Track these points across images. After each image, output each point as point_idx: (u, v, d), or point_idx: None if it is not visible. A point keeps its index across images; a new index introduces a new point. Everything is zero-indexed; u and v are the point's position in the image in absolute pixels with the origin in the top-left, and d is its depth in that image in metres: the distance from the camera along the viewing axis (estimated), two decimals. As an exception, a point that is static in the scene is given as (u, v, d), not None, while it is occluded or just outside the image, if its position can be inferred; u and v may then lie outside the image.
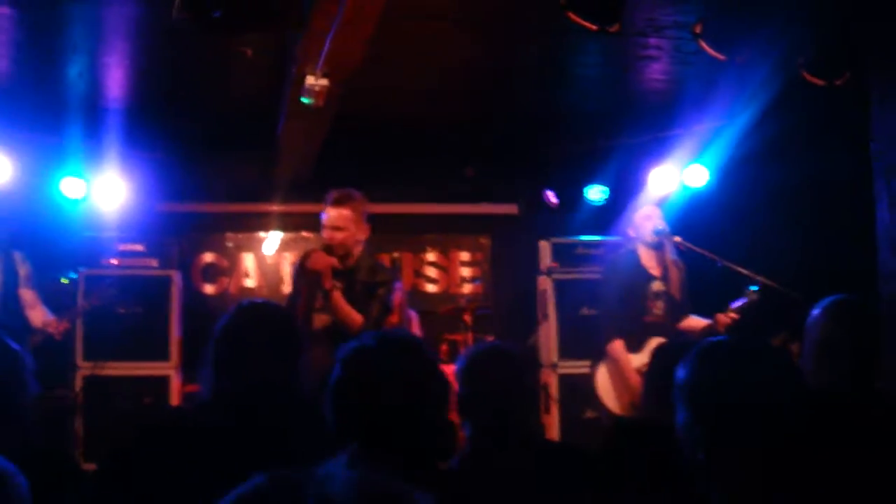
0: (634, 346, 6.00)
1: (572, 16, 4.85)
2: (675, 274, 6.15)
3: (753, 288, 5.98)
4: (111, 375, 7.24)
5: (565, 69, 7.06)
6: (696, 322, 6.17)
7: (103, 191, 8.07)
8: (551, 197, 9.10)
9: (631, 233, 6.31)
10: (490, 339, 7.90)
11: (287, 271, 9.20)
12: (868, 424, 2.70)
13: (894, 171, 4.77)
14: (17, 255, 6.42)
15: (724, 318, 5.96)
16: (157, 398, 7.33)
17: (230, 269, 9.61)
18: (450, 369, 3.75)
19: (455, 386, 3.02)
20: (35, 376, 2.80)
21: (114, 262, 7.63)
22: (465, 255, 10.03)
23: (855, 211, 5.69)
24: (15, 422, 2.63)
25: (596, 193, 8.98)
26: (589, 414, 6.86)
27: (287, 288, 5.79)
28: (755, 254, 6.66)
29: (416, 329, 7.71)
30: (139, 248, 7.74)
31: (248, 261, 9.64)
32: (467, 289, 9.86)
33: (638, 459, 2.67)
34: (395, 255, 9.61)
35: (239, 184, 9.29)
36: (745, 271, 6.12)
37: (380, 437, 2.16)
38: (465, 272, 10.01)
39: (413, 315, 8.12)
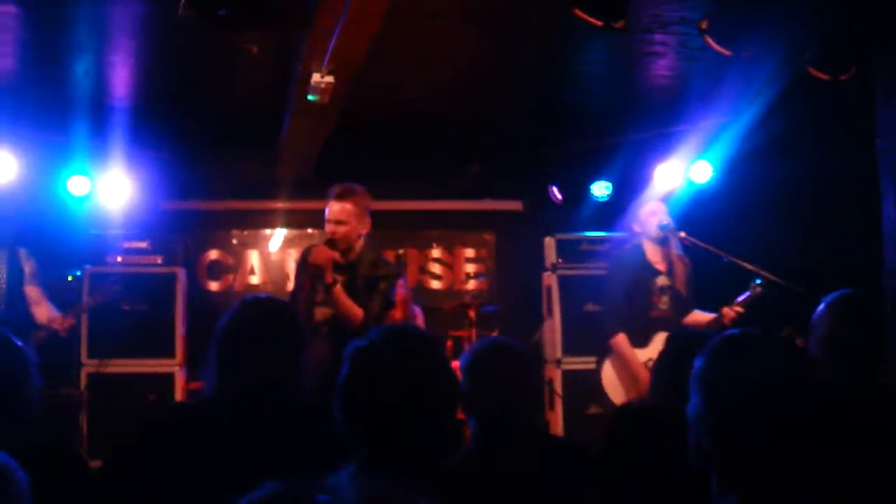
0: (640, 341, 6.00)
1: (578, 12, 4.85)
2: (680, 269, 6.15)
3: (757, 281, 5.99)
4: (116, 372, 7.27)
5: (570, 65, 7.05)
6: (700, 317, 6.17)
7: (108, 188, 8.07)
8: (556, 193, 9.09)
9: (636, 228, 6.31)
10: (494, 335, 7.90)
11: (292, 268, 9.21)
12: (872, 419, 2.70)
13: (899, 165, 4.77)
14: (22, 252, 6.43)
15: (730, 312, 5.97)
16: (162, 395, 7.34)
17: (235, 266, 9.62)
18: (454, 365, 3.75)
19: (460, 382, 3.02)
20: (39, 372, 2.80)
21: (119, 259, 7.65)
22: (469, 252, 10.04)
23: (860, 207, 5.69)
24: (20, 418, 2.63)
25: (601, 189, 8.97)
26: (593, 410, 6.86)
27: (292, 285, 5.80)
28: (760, 249, 6.65)
29: (421, 325, 7.72)
30: (144, 245, 7.75)
31: (253, 258, 9.65)
32: (472, 285, 9.86)
33: (640, 446, 2.67)
34: (400, 251, 9.62)
35: (244, 181, 9.30)
36: (749, 267, 6.12)
37: (388, 435, 2.16)
38: (470, 269, 10.01)
39: (418, 311, 8.14)
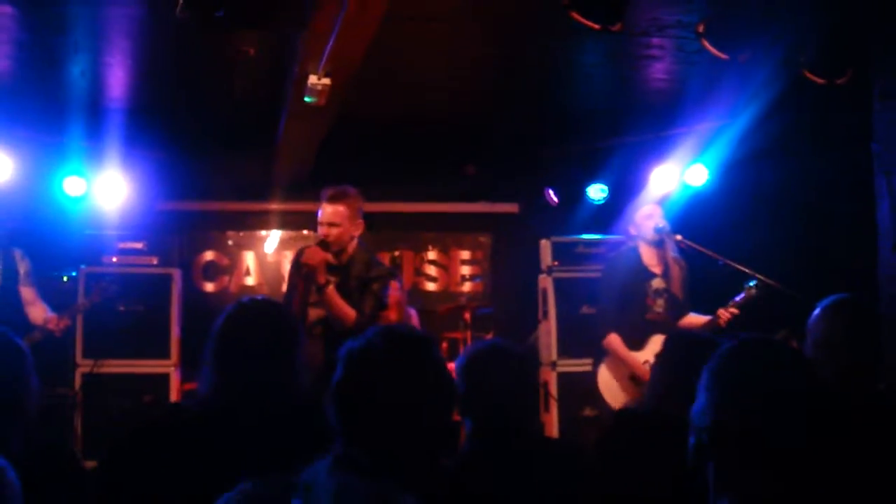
0: (636, 344, 6.01)
1: (575, 15, 4.85)
2: (676, 272, 6.16)
3: (752, 283, 6.00)
4: (111, 373, 7.26)
5: (567, 68, 7.05)
6: (696, 319, 6.18)
7: (104, 189, 8.07)
8: (552, 195, 9.10)
9: (632, 231, 6.32)
10: (490, 337, 7.90)
11: (287, 269, 9.22)
12: (868, 423, 2.71)
13: (894, 170, 4.77)
14: (17, 253, 6.43)
15: (725, 314, 5.99)
16: (157, 396, 7.34)
17: (231, 267, 9.62)
18: (450, 367, 3.76)
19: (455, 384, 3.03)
20: (36, 373, 2.80)
21: (114, 259, 7.64)
22: (465, 254, 10.04)
23: (855, 210, 5.69)
24: (20, 420, 2.63)
25: (597, 192, 8.98)
26: (588, 412, 6.86)
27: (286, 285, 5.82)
28: (755, 252, 6.66)
29: (416, 327, 7.72)
30: (140, 246, 7.74)
31: (249, 259, 9.65)
32: (467, 287, 9.87)
33: (638, 449, 2.68)
34: (396, 253, 9.61)
35: (240, 182, 9.30)
36: (745, 270, 6.14)
37: (383, 437, 2.16)
38: (466, 270, 10.02)
39: (413, 313, 8.14)
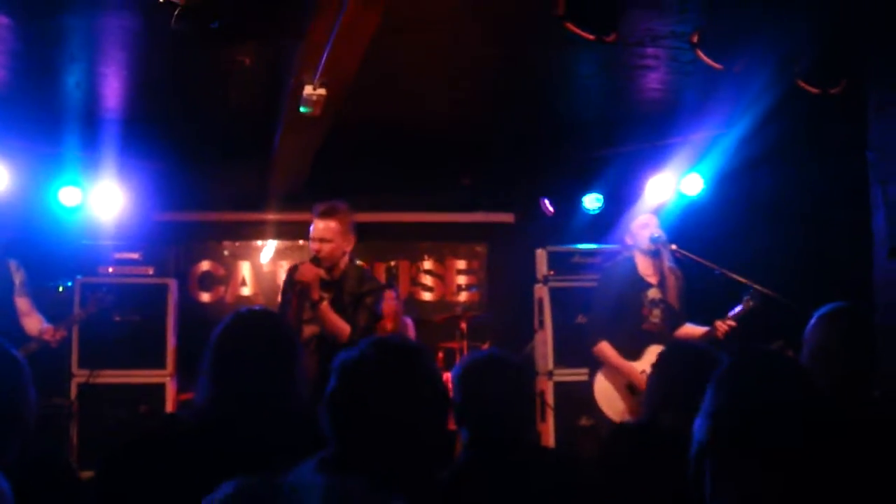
0: (632, 354, 6.00)
1: (570, 26, 4.86)
2: (672, 282, 6.15)
3: (749, 295, 6.00)
4: (107, 383, 7.25)
5: (562, 79, 7.07)
6: (692, 330, 6.17)
7: (100, 199, 8.08)
8: (548, 205, 9.11)
9: (628, 241, 6.31)
10: (486, 347, 7.90)
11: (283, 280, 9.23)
12: (863, 430, 2.71)
13: (890, 179, 4.79)
14: (12, 263, 6.41)
15: (723, 326, 5.98)
16: (153, 406, 7.32)
17: (226, 277, 9.62)
18: (446, 377, 3.76)
19: (451, 393, 3.03)
20: (33, 384, 2.80)
21: (110, 270, 7.63)
22: (461, 264, 10.05)
23: (851, 219, 5.70)
24: (18, 431, 2.62)
25: (592, 202, 8.99)
26: (584, 422, 6.85)
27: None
28: (751, 261, 6.66)
29: (412, 337, 7.72)
30: (136, 256, 7.74)
31: (245, 269, 9.66)
32: (463, 297, 9.88)
33: (637, 462, 2.68)
34: (392, 263, 9.65)
35: (235, 192, 9.30)
36: (741, 279, 6.14)
37: (377, 447, 2.15)
38: (462, 280, 10.03)
39: (409, 322, 8.14)
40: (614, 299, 6.09)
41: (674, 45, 5.99)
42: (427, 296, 9.96)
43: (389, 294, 6.97)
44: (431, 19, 5.71)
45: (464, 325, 8.24)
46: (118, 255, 7.70)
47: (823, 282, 6.67)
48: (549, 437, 7.40)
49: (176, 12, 4.54)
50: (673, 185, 8.24)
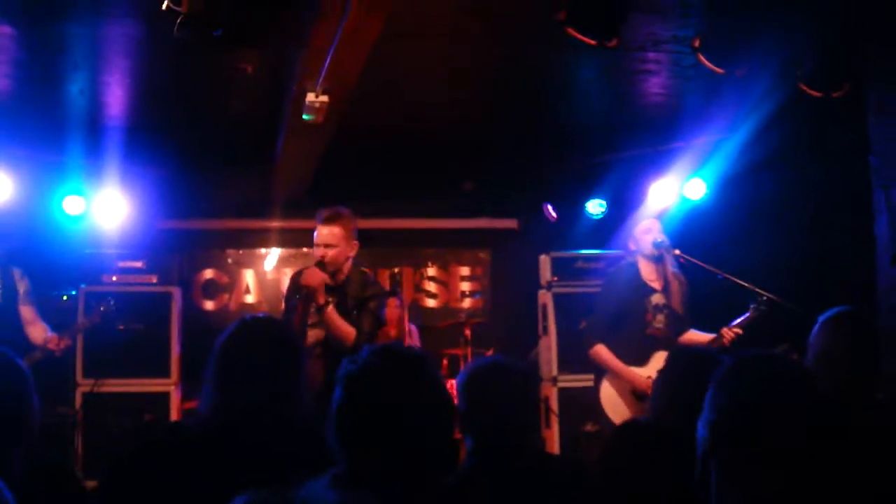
0: (638, 360, 5.99)
1: (571, 31, 4.86)
2: (675, 287, 6.14)
3: (755, 303, 6.00)
4: (111, 392, 7.25)
5: (565, 84, 7.07)
6: (697, 336, 6.17)
7: (103, 208, 8.09)
8: (551, 211, 9.11)
9: (631, 246, 6.30)
10: (490, 353, 7.90)
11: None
12: (866, 433, 2.71)
13: (892, 184, 4.78)
14: (17, 272, 6.42)
15: (729, 333, 5.98)
16: (158, 415, 7.32)
17: (230, 285, 9.63)
18: (450, 384, 3.76)
19: (456, 400, 3.02)
20: (37, 393, 2.80)
21: (114, 278, 7.64)
22: (464, 270, 10.05)
23: (854, 223, 5.70)
24: (23, 440, 2.62)
25: (595, 207, 8.99)
26: (589, 427, 6.84)
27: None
28: (755, 266, 6.66)
29: (416, 343, 7.72)
30: (139, 264, 7.74)
31: (249, 277, 9.66)
32: (467, 303, 9.88)
33: (640, 465, 2.67)
34: (396, 269, 9.63)
35: (239, 200, 9.31)
36: (745, 284, 6.13)
37: (383, 455, 2.15)
38: (465, 287, 10.03)
39: (413, 329, 8.14)
40: (615, 304, 6.09)
41: (676, 49, 5.99)
42: (431, 302, 9.96)
43: (393, 301, 6.96)
44: (434, 25, 5.71)
45: (468, 332, 8.24)
46: (122, 264, 7.71)
47: (826, 286, 6.66)
48: (554, 443, 7.40)
49: (178, 20, 4.54)
50: (676, 190, 8.24)
